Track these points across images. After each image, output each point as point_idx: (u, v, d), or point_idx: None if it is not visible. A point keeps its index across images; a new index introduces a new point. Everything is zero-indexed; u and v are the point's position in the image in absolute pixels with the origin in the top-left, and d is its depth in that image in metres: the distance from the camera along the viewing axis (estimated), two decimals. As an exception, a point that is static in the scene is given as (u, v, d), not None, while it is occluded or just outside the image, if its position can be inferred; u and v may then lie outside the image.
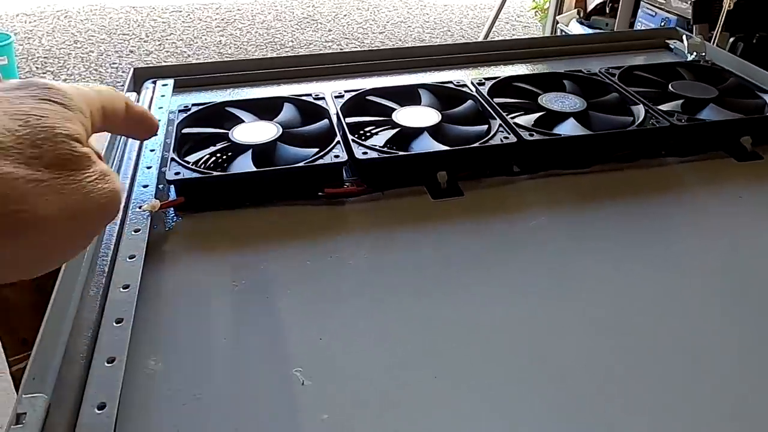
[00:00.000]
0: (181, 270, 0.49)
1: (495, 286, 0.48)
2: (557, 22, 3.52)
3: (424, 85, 0.72)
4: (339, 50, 3.72)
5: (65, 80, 3.38)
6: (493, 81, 0.73)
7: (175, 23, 4.29)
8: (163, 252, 0.50)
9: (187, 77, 0.79)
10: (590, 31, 3.30)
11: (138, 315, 0.43)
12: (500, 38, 2.95)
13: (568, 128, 0.65)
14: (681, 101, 0.70)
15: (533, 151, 0.62)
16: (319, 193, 0.57)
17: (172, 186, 0.56)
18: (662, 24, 2.98)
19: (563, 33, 3.36)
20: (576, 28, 3.35)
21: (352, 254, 0.51)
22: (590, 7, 3.51)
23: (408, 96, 0.71)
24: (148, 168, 0.59)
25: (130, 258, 0.46)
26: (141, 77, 0.79)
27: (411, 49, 0.89)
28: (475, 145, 0.59)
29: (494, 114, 0.65)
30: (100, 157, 0.29)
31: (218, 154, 0.62)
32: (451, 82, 0.73)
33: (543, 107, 0.68)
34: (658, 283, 0.49)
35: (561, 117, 0.66)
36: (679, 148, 0.66)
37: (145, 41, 3.97)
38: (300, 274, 0.49)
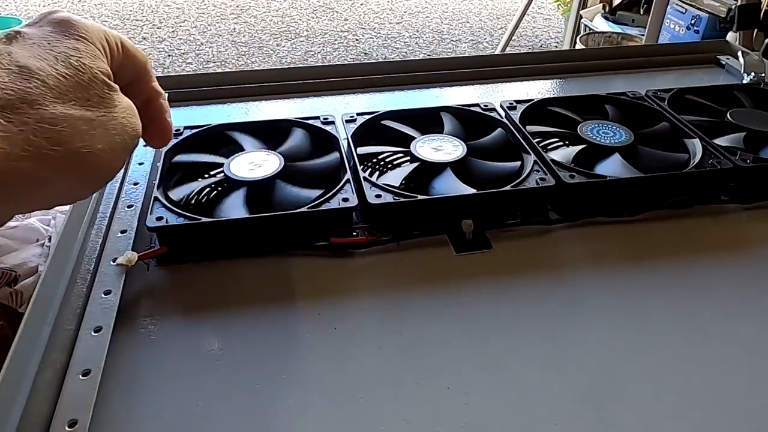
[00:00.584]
0: (156, 343, 0.41)
1: (532, 362, 0.40)
2: (581, 17, 3.39)
3: (446, 108, 0.64)
4: (354, 39, 3.62)
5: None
6: (526, 105, 0.64)
7: (189, 9, 4.21)
8: (136, 318, 0.43)
9: (183, 90, 0.72)
10: (616, 27, 3.16)
11: (101, 407, 0.35)
12: (523, 46, 2.83)
13: (613, 166, 0.56)
14: (742, 134, 0.61)
15: (574, 195, 0.53)
16: (324, 243, 0.49)
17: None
18: (692, 22, 2.85)
19: (587, 28, 3.23)
20: (601, 24, 3.22)
21: (361, 326, 0.43)
22: (616, 1, 3.37)
23: (428, 120, 0.63)
24: (135, 185, 0.51)
25: (95, 331, 0.39)
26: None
27: (430, 61, 0.80)
28: (506, 188, 0.51)
29: (528, 147, 0.57)
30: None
31: (209, 188, 0.54)
32: (477, 105, 0.65)
33: (583, 139, 0.59)
34: (723, 357, 0.41)
35: (604, 152, 0.58)
36: (741, 193, 0.57)
37: (158, 28, 3.89)
38: (297, 352, 0.41)
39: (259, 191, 0.50)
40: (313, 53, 3.61)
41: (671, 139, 0.61)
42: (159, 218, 0.46)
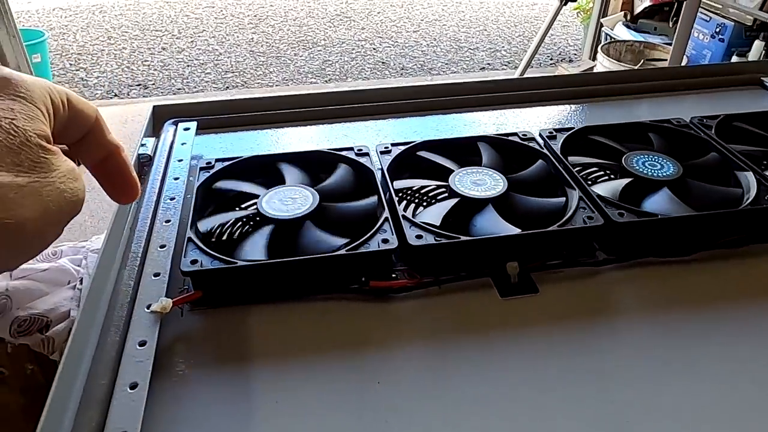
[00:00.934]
0: (194, 398, 0.39)
1: (584, 418, 0.38)
2: (602, 25, 3.35)
3: (483, 138, 0.62)
4: (371, 48, 3.60)
5: (98, 77, 3.36)
6: (566, 134, 0.62)
7: (208, 19, 4.24)
8: (172, 369, 0.41)
9: (210, 117, 0.70)
10: (637, 35, 3.12)
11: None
12: (542, 54, 2.77)
13: (662, 201, 0.53)
14: (797, 166, 0.58)
15: (623, 234, 0.51)
16: (365, 288, 0.47)
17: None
18: (717, 30, 2.79)
19: (608, 37, 3.19)
20: (622, 32, 3.18)
21: (405, 381, 0.41)
22: (638, 10, 3.33)
23: (465, 150, 0.61)
24: (167, 222, 0.50)
25: (131, 388, 0.37)
26: (161, 117, 0.70)
27: (457, 86, 0.78)
28: (553, 228, 0.49)
29: (571, 181, 0.54)
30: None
31: (240, 222, 0.53)
32: (516, 134, 0.62)
33: (630, 172, 0.56)
34: None
35: (652, 186, 0.55)
36: (800, 230, 0.54)
37: (177, 38, 3.92)
38: (341, 408, 0.39)
39: (286, 230, 0.49)
40: (330, 62, 3.60)
41: (721, 172, 0.58)
42: (194, 261, 0.45)
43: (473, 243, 0.47)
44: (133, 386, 0.37)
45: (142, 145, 0.64)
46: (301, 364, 0.42)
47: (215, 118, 0.70)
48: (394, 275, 0.49)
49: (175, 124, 0.68)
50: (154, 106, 0.71)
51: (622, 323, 0.46)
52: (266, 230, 0.48)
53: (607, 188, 0.55)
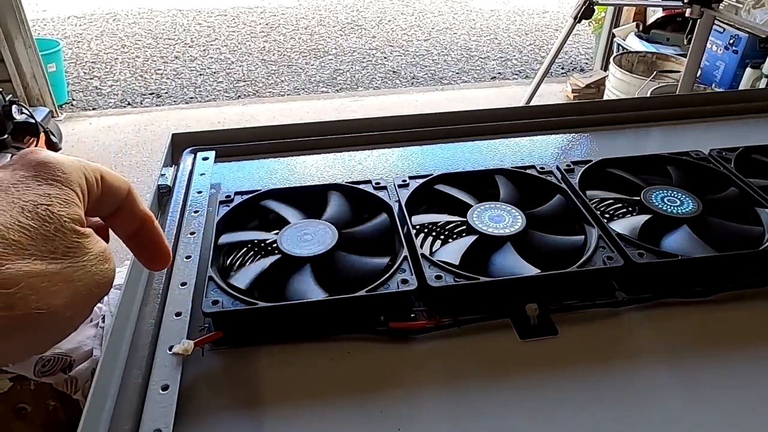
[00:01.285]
0: (216, 441, 0.40)
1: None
2: (614, 35, 3.34)
3: (501, 171, 0.62)
4: (382, 57, 3.61)
5: (111, 86, 3.39)
6: (584, 167, 0.62)
7: (220, 28, 4.27)
8: (194, 414, 0.41)
9: (228, 145, 0.71)
10: (650, 46, 3.11)
11: None
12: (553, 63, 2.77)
13: (682, 240, 0.53)
14: (818, 202, 0.58)
15: (643, 275, 0.50)
16: (384, 329, 0.47)
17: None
18: (731, 42, 2.78)
19: (620, 47, 3.18)
20: (634, 43, 3.17)
21: (426, 423, 0.41)
22: (650, 20, 3.32)
23: (483, 183, 0.61)
24: (187, 258, 0.50)
25: (154, 434, 0.37)
26: (180, 145, 0.70)
27: (470, 114, 0.78)
28: (572, 269, 0.49)
29: (590, 218, 0.54)
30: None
31: (270, 270, 0.53)
32: (533, 167, 0.62)
33: (649, 208, 0.56)
34: None
35: (672, 223, 0.55)
36: (822, 270, 0.54)
37: (190, 47, 3.96)
38: (361, 455, 0.39)
39: (322, 265, 0.49)
40: (341, 71, 3.62)
41: (741, 208, 0.58)
42: (215, 302, 0.45)
43: (493, 284, 0.48)
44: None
45: (162, 175, 0.64)
46: (322, 406, 0.42)
47: (233, 146, 0.71)
48: (413, 315, 0.49)
49: (194, 153, 0.69)
50: (173, 135, 0.71)
51: (642, 366, 0.46)
52: (306, 270, 0.49)
53: (626, 225, 0.55)
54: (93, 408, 0.40)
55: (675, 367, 0.46)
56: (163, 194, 0.62)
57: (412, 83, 3.52)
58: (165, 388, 0.41)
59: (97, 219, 0.31)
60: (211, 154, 0.67)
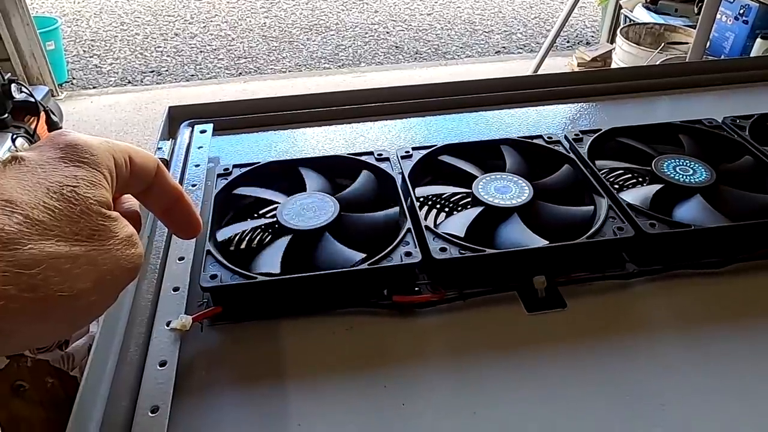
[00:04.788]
0: (217, 419, 0.39)
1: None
2: (620, 7, 3.27)
3: (507, 141, 0.60)
4: (385, 32, 3.55)
5: (111, 65, 3.35)
6: (593, 136, 0.60)
7: (220, 4, 4.21)
8: (193, 390, 0.40)
9: (227, 117, 0.69)
10: (658, 17, 3.04)
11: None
12: (558, 36, 2.69)
13: (695, 210, 0.51)
14: (836, 170, 0.56)
15: (655, 246, 0.49)
16: (387, 302, 0.46)
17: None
18: (741, 12, 2.71)
19: (627, 19, 3.11)
20: (642, 14, 3.10)
21: (430, 403, 0.40)
22: (659, -10, 3.24)
23: (488, 154, 0.59)
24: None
25: (152, 412, 0.36)
26: (177, 118, 0.69)
27: (476, 83, 0.75)
28: (581, 239, 0.47)
29: (599, 188, 0.53)
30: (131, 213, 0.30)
31: (260, 231, 0.52)
32: (541, 137, 0.60)
33: (660, 177, 0.54)
34: None
35: (684, 192, 0.53)
36: (840, 240, 0.52)
37: (190, 23, 3.90)
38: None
39: (304, 241, 0.48)
40: (344, 47, 3.56)
41: (757, 176, 0.56)
42: (213, 276, 0.44)
43: (499, 256, 0.46)
44: (154, 410, 0.37)
45: (159, 148, 0.63)
46: (323, 382, 0.41)
47: (231, 118, 0.69)
48: (417, 288, 0.48)
49: (191, 126, 0.67)
50: (170, 107, 0.70)
51: (653, 338, 0.45)
52: (283, 241, 0.47)
53: (636, 195, 0.53)
54: (89, 385, 0.39)
55: (686, 339, 0.45)
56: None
57: (416, 58, 3.47)
58: (163, 364, 0.40)
59: (130, 204, 0.31)
60: (209, 126, 0.66)
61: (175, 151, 0.63)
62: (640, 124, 0.62)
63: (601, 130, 0.61)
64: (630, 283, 0.49)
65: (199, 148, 0.62)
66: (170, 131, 0.68)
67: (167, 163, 0.61)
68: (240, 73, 3.29)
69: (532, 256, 0.47)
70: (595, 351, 0.44)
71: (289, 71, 3.32)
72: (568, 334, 0.45)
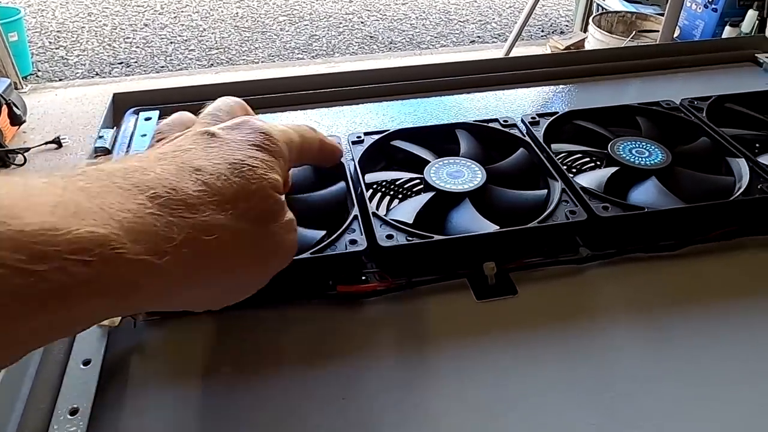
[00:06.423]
0: (138, 418, 0.37)
1: (567, 419, 0.36)
2: (594, -5, 3.27)
3: (462, 125, 0.58)
4: (359, 22, 3.50)
5: (78, 56, 3.27)
6: (550, 120, 0.59)
7: (191, -7, 4.12)
8: (120, 392, 0.38)
9: (175, 105, 0.66)
10: (630, 5, 3.05)
11: None
12: (533, 26, 2.69)
13: (650, 192, 0.50)
14: (792, 151, 0.55)
15: (608, 229, 0.48)
16: (331, 293, 0.44)
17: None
18: (710, 0, 2.73)
19: (600, 8, 3.12)
20: (614, 3, 3.11)
21: (373, 396, 0.38)
22: (632, -22, 3.25)
23: (443, 138, 0.57)
24: None
25: (71, 414, 0.34)
26: (122, 105, 0.66)
27: (435, 67, 0.74)
28: (533, 224, 0.45)
29: (554, 172, 0.51)
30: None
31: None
32: (497, 120, 0.59)
33: (616, 160, 0.53)
34: None
35: (639, 175, 0.52)
36: (795, 221, 0.51)
37: (160, 14, 3.82)
38: (302, 428, 0.36)
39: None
40: (317, 37, 3.52)
41: (712, 158, 0.55)
42: (145, 269, 0.41)
43: (447, 242, 0.44)
44: (74, 412, 0.34)
45: (100, 137, 0.60)
46: (260, 378, 0.39)
47: (178, 105, 0.66)
48: (364, 278, 0.46)
49: (136, 113, 0.64)
50: (115, 94, 0.67)
51: (606, 324, 0.44)
52: None
53: (591, 178, 0.52)
54: (8, 385, 0.36)
55: (641, 324, 0.44)
56: (100, 158, 0.58)
57: (390, 48, 3.45)
58: (87, 362, 0.37)
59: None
60: (155, 113, 0.63)
61: (118, 140, 0.60)
62: (599, 106, 0.61)
63: (558, 113, 0.59)
64: (583, 268, 0.47)
65: (142, 136, 0.59)
66: (115, 119, 0.65)
67: (109, 152, 0.58)
68: (211, 64, 3.24)
69: (482, 242, 0.45)
70: (546, 337, 0.42)
71: (262, 62, 3.27)
72: (517, 321, 0.43)
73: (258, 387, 0.38)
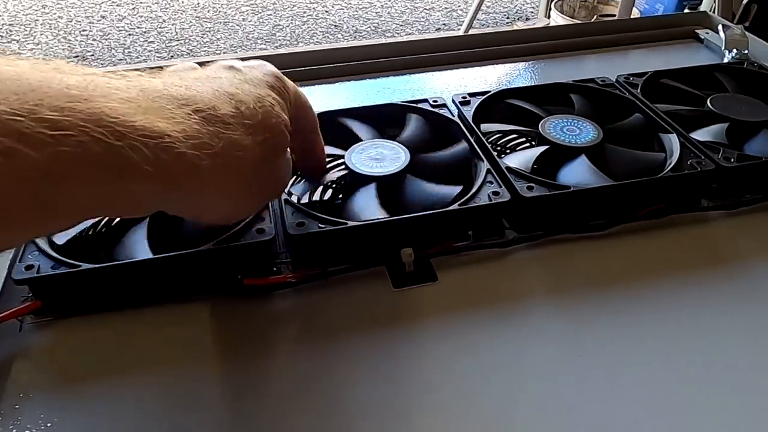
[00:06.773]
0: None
1: (491, 412, 0.33)
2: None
3: (391, 106, 0.56)
4: (323, 11, 3.46)
5: (32, 50, 3.16)
6: (480, 99, 0.56)
7: (150, -16, 4.01)
8: (2, 395, 0.35)
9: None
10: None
11: None
12: (499, 12, 2.70)
13: (579, 170, 0.48)
14: (725, 125, 0.54)
15: (534, 210, 0.46)
16: (237, 287, 0.41)
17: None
18: (672, -18, 2.74)
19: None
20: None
21: (273, 392, 0.35)
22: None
23: (375, 119, 0.54)
24: None
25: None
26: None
27: (370, 48, 0.71)
28: (452, 208, 0.43)
29: (481, 153, 0.49)
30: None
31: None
32: (426, 100, 0.56)
33: (546, 139, 0.51)
34: (705, 397, 0.34)
35: (569, 153, 0.50)
36: (725, 197, 0.50)
37: (117, 5, 3.70)
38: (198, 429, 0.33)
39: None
40: (281, 27, 3.45)
41: (645, 135, 0.54)
42: (29, 267, 0.38)
43: (360, 229, 0.42)
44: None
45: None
46: (158, 377, 0.36)
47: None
48: (275, 269, 0.43)
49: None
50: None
51: (531, 308, 0.42)
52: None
53: (519, 159, 0.50)
54: None
55: (567, 307, 0.42)
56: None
57: (355, 37, 3.40)
58: (-43, 370, 0.34)
59: None
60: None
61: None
62: (533, 84, 0.59)
63: (489, 92, 0.57)
64: (508, 252, 0.45)
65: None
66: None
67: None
68: (171, 56, 3.15)
69: (399, 228, 0.43)
70: (467, 325, 0.40)
71: (224, 53, 3.20)
72: (436, 309, 0.41)
73: (151, 389, 0.36)
